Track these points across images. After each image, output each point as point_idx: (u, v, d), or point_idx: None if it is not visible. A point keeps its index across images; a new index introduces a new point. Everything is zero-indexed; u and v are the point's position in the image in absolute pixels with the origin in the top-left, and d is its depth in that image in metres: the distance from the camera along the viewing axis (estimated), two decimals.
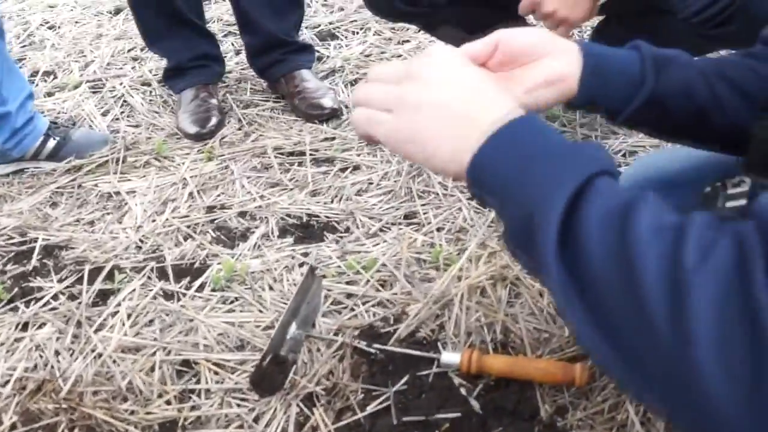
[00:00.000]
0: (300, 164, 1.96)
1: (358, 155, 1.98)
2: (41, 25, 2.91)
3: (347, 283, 1.54)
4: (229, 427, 1.28)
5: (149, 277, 1.61)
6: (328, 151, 1.99)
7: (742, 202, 0.90)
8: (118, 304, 1.54)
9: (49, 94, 2.36)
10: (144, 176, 1.95)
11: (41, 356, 1.44)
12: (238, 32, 2.32)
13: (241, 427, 1.27)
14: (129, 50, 2.62)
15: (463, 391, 1.28)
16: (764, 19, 1.50)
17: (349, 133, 2.07)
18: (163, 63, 2.26)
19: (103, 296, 1.58)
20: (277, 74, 2.22)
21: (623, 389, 1.21)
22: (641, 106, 0.89)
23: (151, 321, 1.50)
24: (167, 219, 1.78)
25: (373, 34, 2.58)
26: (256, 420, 1.28)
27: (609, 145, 1.95)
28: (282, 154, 2.00)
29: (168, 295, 1.57)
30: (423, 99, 0.71)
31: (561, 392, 1.27)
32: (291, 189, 1.86)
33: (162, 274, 1.63)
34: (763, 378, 0.47)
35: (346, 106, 2.20)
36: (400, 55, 2.45)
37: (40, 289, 1.61)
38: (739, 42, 1.78)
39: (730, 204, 0.90)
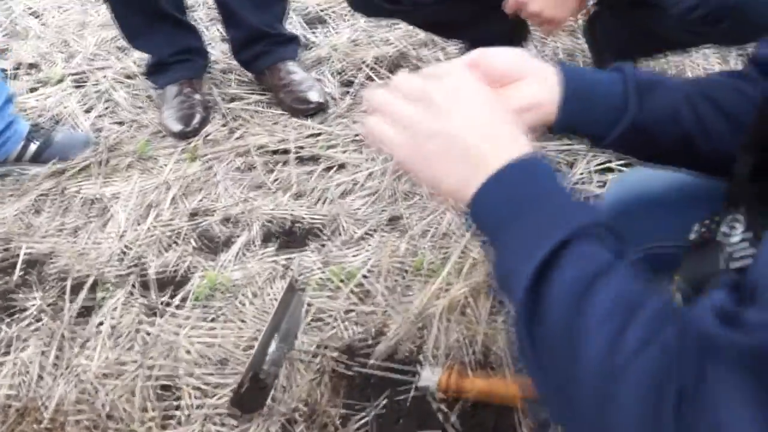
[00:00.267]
0: (284, 163, 1.93)
1: (344, 152, 1.95)
2: (24, 11, 2.86)
3: (328, 296, 1.53)
4: None
5: (131, 292, 1.61)
6: (314, 149, 1.97)
7: (748, 260, 0.85)
8: (101, 322, 1.54)
9: (33, 90, 2.33)
10: (127, 179, 1.93)
11: (24, 380, 1.45)
12: None
13: None
14: (113, 39, 2.57)
15: (440, 414, 1.28)
16: (755, 20, 1.46)
17: (335, 128, 2.04)
18: (147, 55, 2.22)
19: (86, 311, 1.58)
20: (261, 66, 2.18)
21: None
22: (624, 132, 0.86)
23: (133, 339, 1.50)
24: (150, 226, 1.76)
25: (364, 20, 2.52)
26: None
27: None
28: (266, 152, 1.97)
29: (150, 309, 1.57)
30: (437, 128, 0.71)
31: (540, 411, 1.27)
32: (274, 191, 1.84)
33: (144, 286, 1.62)
34: None
35: (333, 98, 2.17)
36: (390, 43, 2.39)
37: (24, 307, 1.61)
38: (729, 41, 1.74)
39: (734, 265, 0.86)
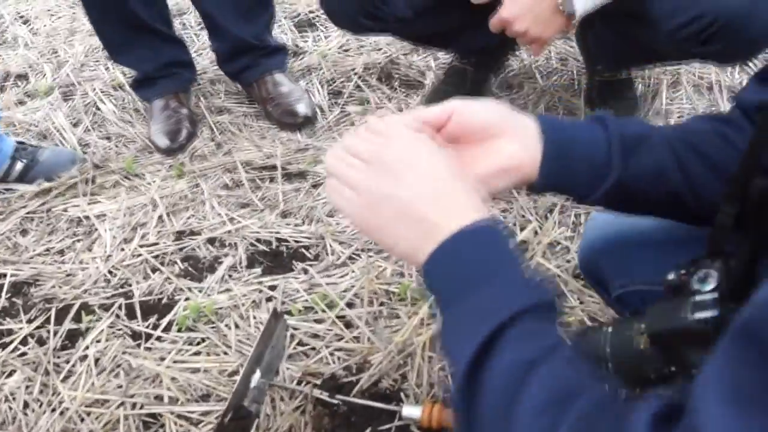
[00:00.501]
0: (271, 180, 1.92)
1: None
2: (15, 18, 2.85)
3: (314, 320, 1.53)
4: None
5: (117, 315, 1.61)
6: (301, 165, 1.95)
7: (712, 313, 0.84)
8: (86, 347, 1.54)
9: (21, 103, 2.32)
10: (114, 197, 1.92)
11: (10, 408, 1.45)
12: None
13: None
14: (102, 47, 2.54)
15: None
16: (750, 36, 1.44)
17: (323, 143, 2.02)
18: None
19: (71, 338, 1.58)
20: (249, 79, 2.16)
21: None
22: (608, 192, 0.85)
23: (118, 369, 1.49)
24: (136, 248, 1.76)
25: None
26: None
27: None
28: (253, 168, 1.96)
29: (135, 338, 1.56)
30: (387, 194, 0.71)
31: None
32: (261, 210, 1.83)
33: (130, 311, 1.62)
34: None
35: (321, 109, 2.15)
36: (380, 49, 2.37)
37: (10, 331, 1.61)
38: (724, 58, 1.71)
39: (699, 315, 0.84)
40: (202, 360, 1.49)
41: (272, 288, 1.62)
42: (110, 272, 1.71)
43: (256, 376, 1.38)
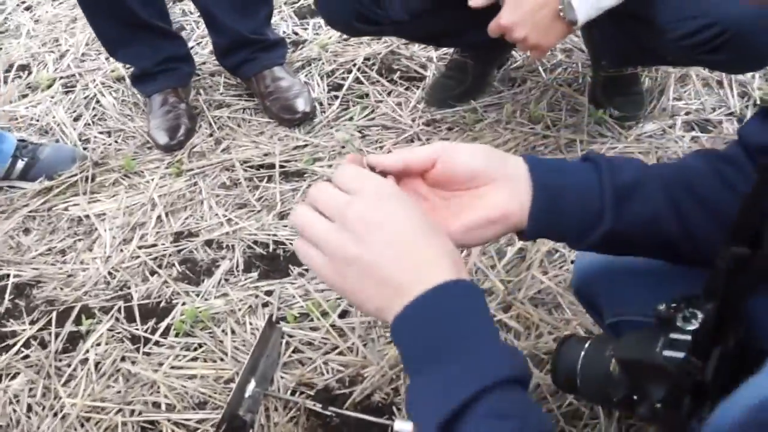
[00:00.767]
0: (269, 179, 1.93)
1: (329, 166, 1.95)
2: (18, 5, 2.85)
3: (310, 328, 1.55)
4: None
5: (117, 319, 1.64)
6: (299, 163, 1.96)
7: (680, 354, 0.84)
8: (87, 351, 1.58)
9: (23, 96, 2.33)
10: (113, 196, 1.94)
11: (15, 411, 1.50)
12: None
13: None
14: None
15: None
16: (756, 49, 1.42)
17: (322, 140, 2.03)
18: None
19: (72, 340, 1.62)
20: (248, 73, 2.16)
21: None
22: (598, 240, 0.83)
23: (118, 371, 1.53)
24: (135, 249, 1.78)
25: None
26: None
27: (595, 151, 1.89)
28: (251, 167, 1.97)
29: (134, 339, 1.60)
30: (353, 255, 0.69)
31: None
32: (259, 210, 1.85)
33: (129, 314, 1.65)
34: None
35: (320, 104, 2.15)
36: (380, 39, 2.35)
37: (13, 333, 1.65)
38: (729, 69, 1.68)
39: (667, 353, 0.84)
40: (198, 366, 1.52)
41: (268, 293, 1.64)
42: (110, 273, 1.74)
43: (251, 386, 1.42)
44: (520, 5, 1.45)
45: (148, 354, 1.56)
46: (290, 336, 1.54)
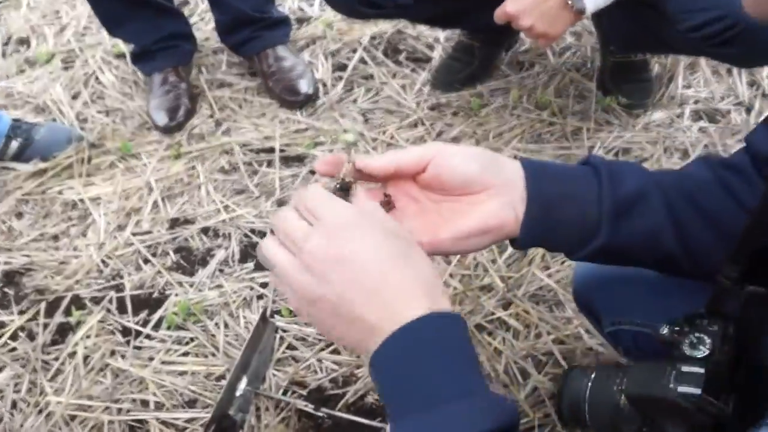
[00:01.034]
0: (269, 164, 1.84)
1: (330, 150, 1.85)
2: None
3: (304, 323, 1.47)
4: None
5: (108, 310, 1.56)
6: (299, 147, 1.86)
7: (695, 390, 0.76)
8: (76, 344, 1.50)
9: (21, 72, 2.23)
10: (110, 179, 1.85)
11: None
12: None
13: None
14: None
15: None
16: (766, 46, 1.31)
17: (324, 123, 1.92)
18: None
19: (62, 332, 1.54)
20: (250, 52, 2.05)
21: None
22: (592, 254, 0.77)
23: (107, 366, 1.45)
24: (129, 236, 1.69)
25: None
26: None
27: (601, 140, 1.78)
28: (251, 150, 1.87)
29: (125, 331, 1.52)
30: (317, 296, 0.62)
31: None
32: (257, 197, 1.76)
33: (121, 305, 1.57)
34: None
35: (324, 84, 2.04)
36: None
37: (1, 324, 1.57)
38: (737, 62, 1.57)
39: (682, 389, 0.76)
40: (189, 362, 1.45)
41: (264, 285, 1.55)
42: (103, 261, 1.66)
43: (242, 384, 1.34)
44: None
45: (138, 348, 1.48)
46: (284, 331, 1.46)
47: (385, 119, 1.92)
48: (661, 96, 1.88)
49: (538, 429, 1.25)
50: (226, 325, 1.49)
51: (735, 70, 1.90)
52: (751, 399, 0.75)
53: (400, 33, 2.18)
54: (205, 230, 1.70)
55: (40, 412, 1.39)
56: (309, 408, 1.32)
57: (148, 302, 1.57)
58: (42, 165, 1.87)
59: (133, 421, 1.37)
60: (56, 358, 1.48)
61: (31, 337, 1.53)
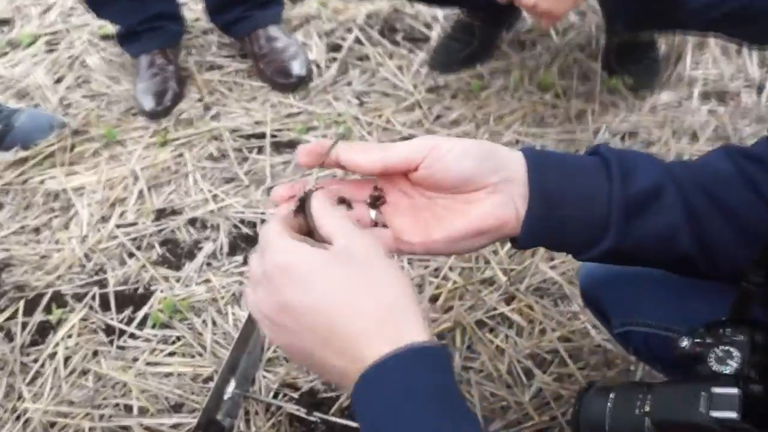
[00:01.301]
0: (259, 150, 1.72)
1: (324, 136, 1.73)
2: None
3: None
4: None
5: (91, 307, 1.45)
6: (291, 133, 1.74)
7: (732, 415, 0.66)
8: (57, 344, 1.39)
9: (3, 54, 2.10)
10: (93, 167, 1.73)
11: None
12: None
13: None
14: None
15: None
16: None
17: (317, 107, 1.80)
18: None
19: (42, 331, 1.43)
20: (241, 32, 1.93)
21: None
22: (600, 256, 0.68)
23: (86, 373, 1.34)
24: (113, 229, 1.58)
25: None
26: None
27: (607, 123, 1.66)
28: (241, 136, 1.75)
29: (109, 330, 1.41)
30: (283, 343, 0.59)
31: None
32: (247, 185, 1.64)
33: (104, 302, 1.46)
34: None
35: (318, 66, 1.92)
36: None
37: None
38: (752, 40, 1.45)
39: (716, 414, 0.66)
40: (175, 363, 1.34)
41: None
42: (86, 255, 1.54)
43: (231, 387, 1.24)
44: None
45: (122, 348, 1.38)
46: None
47: (381, 102, 1.79)
48: (668, 77, 1.75)
49: None
50: (214, 323, 1.38)
51: (745, 50, 1.77)
52: None
53: (397, 12, 2.05)
54: (192, 221, 1.58)
55: (18, 418, 1.28)
56: (301, 412, 1.22)
57: (132, 299, 1.46)
58: (23, 153, 1.75)
59: (115, 427, 1.26)
60: (35, 360, 1.37)
61: (10, 337, 1.42)
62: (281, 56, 1.87)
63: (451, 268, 1.41)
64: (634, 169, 0.67)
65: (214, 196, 1.62)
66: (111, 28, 2.09)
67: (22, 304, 1.46)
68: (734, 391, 0.66)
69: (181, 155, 1.73)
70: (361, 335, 0.55)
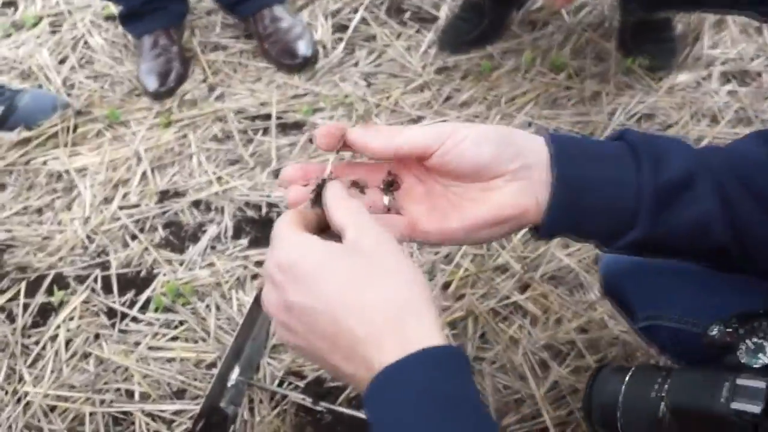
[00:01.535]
0: (265, 132, 1.66)
1: (331, 117, 1.67)
2: None
3: None
4: None
5: (93, 289, 1.40)
6: (297, 114, 1.68)
7: (755, 408, 0.61)
8: (58, 326, 1.34)
9: (7, 36, 2.04)
10: (96, 148, 1.67)
11: None
12: None
13: None
14: None
15: None
16: None
17: (323, 88, 1.74)
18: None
19: (43, 313, 1.38)
20: (245, 12, 1.86)
21: None
22: (628, 246, 0.63)
23: (91, 353, 1.29)
24: (116, 210, 1.52)
25: None
26: None
27: (622, 105, 1.60)
28: (246, 118, 1.69)
29: (111, 313, 1.36)
30: (295, 345, 0.56)
31: None
32: (252, 167, 1.58)
33: (106, 284, 1.41)
34: None
35: (324, 47, 1.85)
36: None
37: None
38: None
39: (737, 406, 0.61)
40: (178, 348, 1.29)
41: (259, 264, 1.39)
42: (88, 237, 1.49)
43: (235, 374, 1.19)
44: None
45: (124, 332, 1.33)
46: None
47: (388, 83, 1.73)
48: (685, 57, 1.68)
49: (557, 428, 1.09)
50: (217, 308, 1.33)
51: (766, 29, 1.70)
52: None
53: None
54: (196, 203, 1.53)
55: (18, 401, 1.24)
56: (307, 401, 1.17)
57: (134, 282, 1.41)
58: (26, 134, 1.69)
59: (116, 412, 1.21)
60: (36, 342, 1.32)
61: (11, 318, 1.37)
62: (286, 36, 1.81)
63: (462, 255, 1.35)
64: (666, 156, 0.62)
65: (219, 178, 1.56)
66: (114, 8, 2.03)
67: (23, 285, 1.41)
68: (761, 384, 0.62)
69: (185, 136, 1.67)
70: (367, 338, 0.50)
